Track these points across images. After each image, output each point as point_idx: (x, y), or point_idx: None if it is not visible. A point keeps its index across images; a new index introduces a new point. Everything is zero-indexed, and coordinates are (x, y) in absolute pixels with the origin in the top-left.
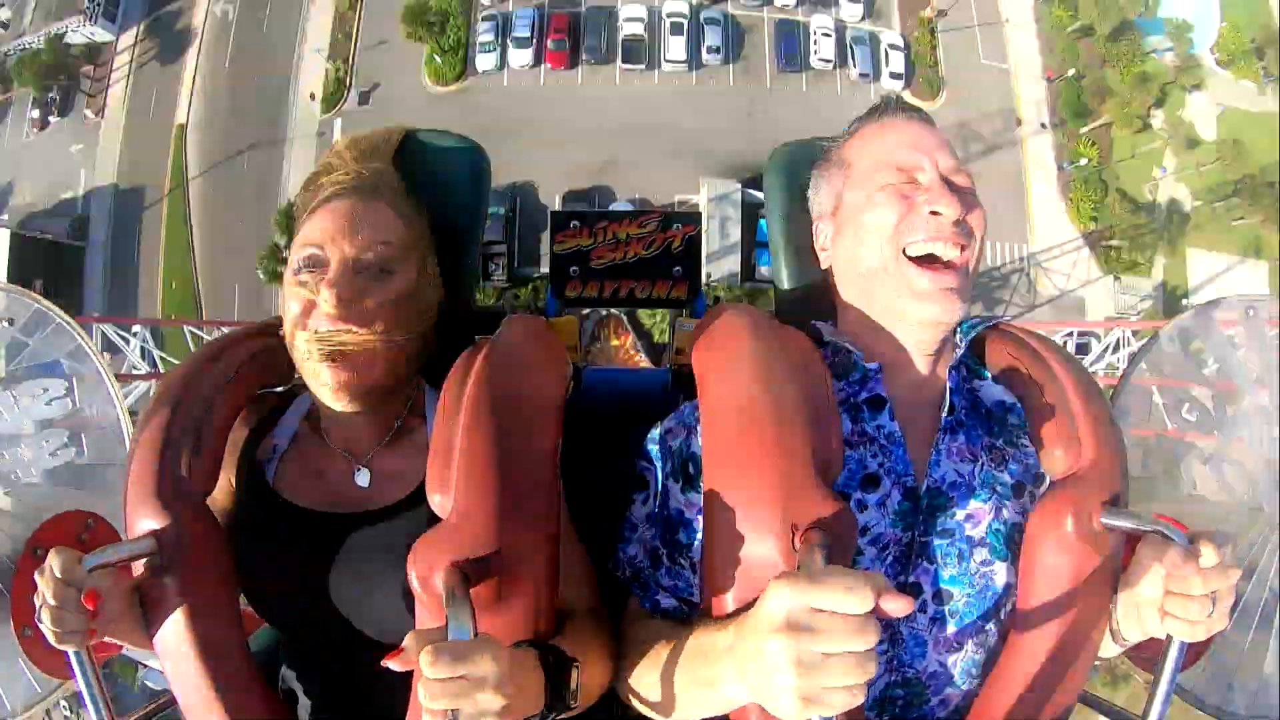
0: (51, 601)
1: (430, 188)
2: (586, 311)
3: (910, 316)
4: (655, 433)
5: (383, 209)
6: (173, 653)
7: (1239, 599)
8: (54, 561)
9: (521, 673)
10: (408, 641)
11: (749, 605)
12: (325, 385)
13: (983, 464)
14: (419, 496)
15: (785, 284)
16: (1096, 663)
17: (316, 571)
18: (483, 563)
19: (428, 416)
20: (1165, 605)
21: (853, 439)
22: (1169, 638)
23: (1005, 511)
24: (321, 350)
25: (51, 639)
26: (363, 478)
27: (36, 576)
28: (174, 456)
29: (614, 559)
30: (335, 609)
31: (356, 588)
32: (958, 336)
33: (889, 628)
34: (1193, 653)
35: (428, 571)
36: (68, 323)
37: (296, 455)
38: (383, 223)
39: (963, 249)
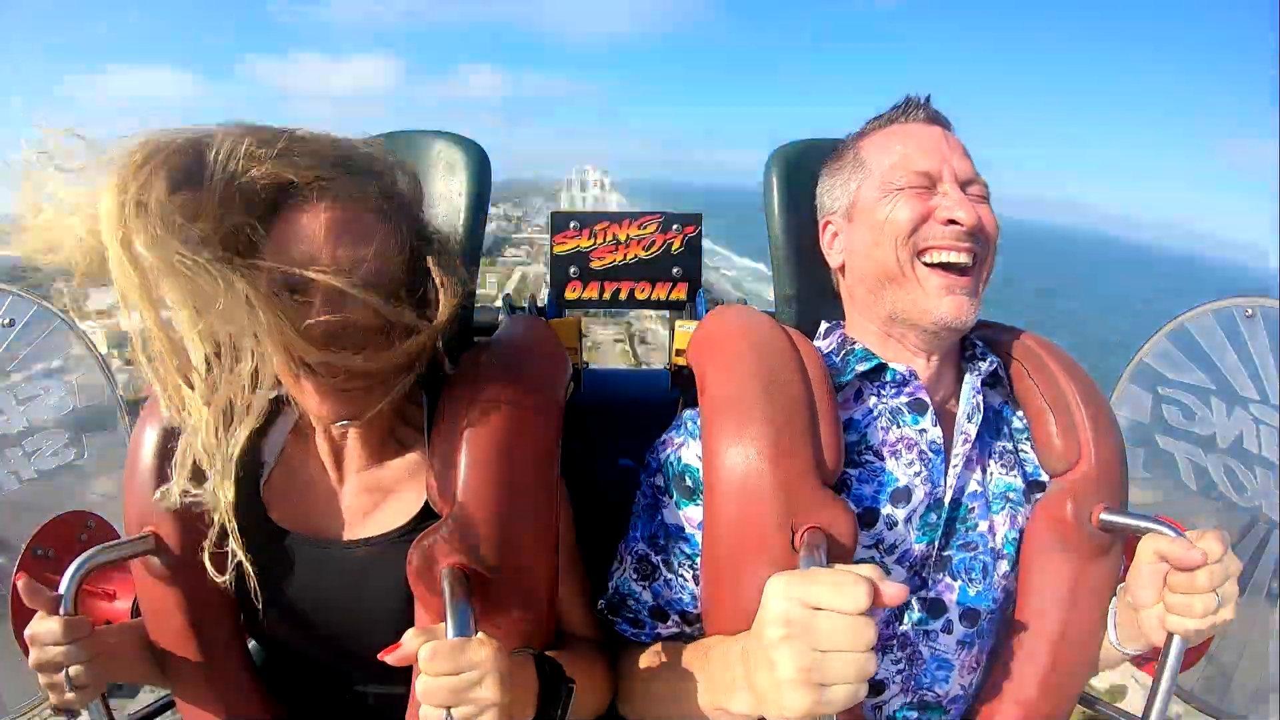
0: (60, 661)
1: (430, 188)
2: None
3: (925, 319)
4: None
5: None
6: (171, 653)
7: (1240, 593)
8: (41, 630)
9: (519, 676)
10: (407, 637)
11: (750, 608)
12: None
13: (993, 472)
14: (416, 524)
15: (784, 285)
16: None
17: (309, 601)
18: (483, 562)
19: (426, 428)
20: (1168, 604)
21: (887, 448)
22: (1169, 637)
23: (1019, 519)
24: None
25: (72, 699)
26: (354, 499)
27: (32, 649)
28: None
29: (604, 598)
30: (330, 639)
31: (354, 618)
32: (979, 349)
33: (908, 647)
34: (1193, 653)
35: (428, 570)
36: (69, 323)
37: (285, 471)
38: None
39: (976, 256)
